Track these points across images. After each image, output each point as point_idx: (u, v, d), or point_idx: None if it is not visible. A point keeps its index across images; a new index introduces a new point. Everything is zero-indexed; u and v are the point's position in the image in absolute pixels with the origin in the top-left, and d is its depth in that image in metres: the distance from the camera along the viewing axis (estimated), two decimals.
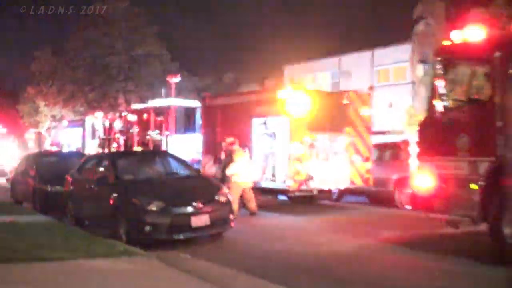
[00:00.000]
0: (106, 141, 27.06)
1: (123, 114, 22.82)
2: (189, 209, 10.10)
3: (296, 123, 14.39)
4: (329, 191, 16.09)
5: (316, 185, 15.01)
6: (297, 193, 15.51)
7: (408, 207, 11.63)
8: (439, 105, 9.13)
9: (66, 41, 42.02)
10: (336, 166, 15.64)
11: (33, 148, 56.55)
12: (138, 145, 20.85)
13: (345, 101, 15.59)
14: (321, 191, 15.70)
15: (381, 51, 36.00)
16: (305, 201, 16.77)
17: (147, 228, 9.82)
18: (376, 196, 17.30)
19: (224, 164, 13.74)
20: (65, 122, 34.75)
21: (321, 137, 15.24)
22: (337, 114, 15.56)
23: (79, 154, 19.43)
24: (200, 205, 10.16)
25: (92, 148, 28.81)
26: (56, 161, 16.92)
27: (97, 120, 28.49)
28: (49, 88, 41.58)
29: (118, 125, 25.60)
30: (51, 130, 52.78)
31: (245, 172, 13.58)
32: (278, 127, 14.95)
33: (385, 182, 16.45)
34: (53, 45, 42.99)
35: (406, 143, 17.28)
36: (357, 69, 37.10)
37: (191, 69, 44.01)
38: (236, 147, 13.76)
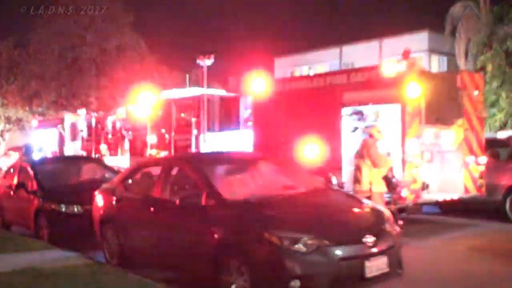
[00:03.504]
0: (93, 143, 22.41)
1: (129, 108, 18.27)
2: (360, 248, 6.03)
3: (412, 113, 10.48)
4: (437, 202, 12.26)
5: (431, 196, 11.19)
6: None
7: None
8: None
9: (31, 31, 36.67)
10: (445, 170, 11.89)
11: None
12: (153, 147, 16.47)
13: (459, 84, 11.82)
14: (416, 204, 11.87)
15: (391, 40, 32.59)
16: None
17: (294, 283, 5.72)
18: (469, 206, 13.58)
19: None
20: (34, 122, 29.57)
21: (426, 132, 11.44)
22: (448, 102, 11.80)
23: (93, 159, 14.88)
24: (372, 240, 6.10)
25: (73, 152, 24.10)
26: (63, 169, 12.35)
27: (79, 118, 23.76)
28: (10, 85, 36.13)
29: (109, 123, 21.06)
30: (5, 133, 47.20)
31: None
32: (384, 119, 11.01)
33: (490, 190, 12.73)
34: (16, 35, 37.38)
35: None
36: (362, 60, 33.34)
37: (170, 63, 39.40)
38: (370, 141, 9.72)
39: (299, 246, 5.80)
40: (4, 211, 12.85)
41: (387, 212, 6.87)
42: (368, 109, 11.21)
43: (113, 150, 20.65)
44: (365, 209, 6.89)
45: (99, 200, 9.08)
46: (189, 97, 15.78)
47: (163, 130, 16.31)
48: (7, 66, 36.72)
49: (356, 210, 6.85)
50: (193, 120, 14.97)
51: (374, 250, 6.08)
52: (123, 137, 19.67)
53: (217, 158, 8.50)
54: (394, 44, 32.45)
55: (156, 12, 46.41)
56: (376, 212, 6.78)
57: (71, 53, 36.57)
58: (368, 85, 10.96)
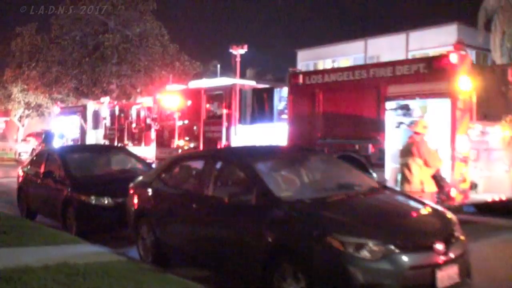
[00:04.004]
0: (116, 132, 21.99)
1: (157, 97, 17.75)
2: (430, 255, 5.50)
3: (463, 108, 9.88)
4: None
5: (479, 196, 10.61)
6: None
7: None
8: None
9: (53, 17, 36.26)
10: (491, 169, 11.27)
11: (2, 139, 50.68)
12: (180, 138, 15.95)
13: (511, 78, 11.19)
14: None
15: (418, 33, 31.84)
16: None
17: None
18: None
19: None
20: (56, 109, 29.26)
21: (473, 129, 10.82)
22: (497, 97, 11.18)
23: (123, 149, 14.42)
24: (443, 247, 5.57)
25: (95, 140, 23.78)
26: (93, 159, 11.87)
27: (102, 106, 23.34)
28: (31, 70, 35.78)
29: (134, 111, 20.59)
30: (24, 119, 47.16)
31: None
32: (432, 114, 10.43)
33: None
34: (38, 20, 37.06)
35: None
36: (388, 53, 32.77)
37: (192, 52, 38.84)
38: (418, 137, 9.02)
39: (365, 253, 5.29)
40: (29, 199, 12.43)
41: (453, 216, 6.30)
42: (414, 104, 10.62)
43: (136, 140, 20.21)
44: (430, 212, 6.34)
45: (134, 193, 8.61)
46: (220, 87, 15.20)
47: (190, 121, 15.78)
48: (29, 51, 36.41)
49: (422, 213, 6.30)
50: (224, 111, 14.42)
51: (446, 257, 5.54)
52: (147, 127, 19.23)
53: (265, 152, 7.97)
54: (421, 37, 31.80)
55: (178, 1, 45.82)
56: (443, 216, 6.23)
57: (92, 40, 36.18)
58: (416, 78, 10.36)
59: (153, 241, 7.96)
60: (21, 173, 13.26)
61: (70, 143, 25.48)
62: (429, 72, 10.18)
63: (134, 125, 20.49)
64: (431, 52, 31.48)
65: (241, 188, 6.61)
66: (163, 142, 17.06)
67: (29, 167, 12.93)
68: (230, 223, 6.56)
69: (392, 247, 5.33)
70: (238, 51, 17.70)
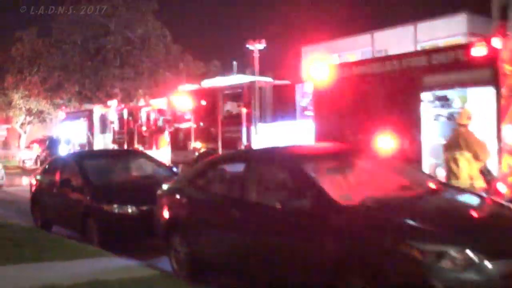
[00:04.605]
0: (125, 136, 21.36)
1: (170, 97, 17.09)
2: None
3: (508, 96, 9.23)
4: None
5: None
6: None
7: None
8: None
9: (54, 20, 35.53)
10: None
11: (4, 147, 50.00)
12: (197, 140, 15.29)
13: None
14: None
15: (426, 24, 31.11)
16: None
17: None
18: None
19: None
20: (61, 114, 28.65)
21: None
22: None
23: (142, 153, 13.71)
24: None
25: (103, 145, 23.20)
26: (111, 165, 11.21)
27: (110, 110, 22.72)
28: (33, 76, 35.12)
29: (144, 114, 19.99)
30: (25, 126, 46.52)
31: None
32: (473, 104, 9.78)
33: None
34: (38, 24, 36.35)
35: None
36: (396, 46, 31.94)
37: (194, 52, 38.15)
38: (464, 129, 8.37)
39: (447, 262, 4.66)
40: (45, 209, 11.78)
41: None
42: (453, 94, 9.98)
43: (147, 144, 19.59)
44: (507, 212, 5.70)
45: (164, 201, 7.96)
46: (238, 85, 14.55)
47: (206, 122, 15.14)
48: (29, 56, 35.72)
49: (498, 213, 5.66)
50: (244, 110, 13.76)
51: None
52: (159, 130, 18.61)
53: (313, 152, 7.32)
54: (430, 28, 31.08)
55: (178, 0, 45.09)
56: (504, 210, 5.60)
57: (94, 43, 35.51)
58: (454, 66, 9.68)
59: (188, 253, 7.33)
60: (34, 182, 12.62)
61: (77, 148, 24.91)
62: (469, 59, 9.51)
63: (144, 128, 19.88)
64: (441, 43, 30.85)
65: (292, 193, 5.97)
66: (178, 144, 16.40)
67: (42, 175, 12.29)
68: (282, 233, 5.91)
69: (477, 254, 4.71)
70: (256, 46, 16.92)
